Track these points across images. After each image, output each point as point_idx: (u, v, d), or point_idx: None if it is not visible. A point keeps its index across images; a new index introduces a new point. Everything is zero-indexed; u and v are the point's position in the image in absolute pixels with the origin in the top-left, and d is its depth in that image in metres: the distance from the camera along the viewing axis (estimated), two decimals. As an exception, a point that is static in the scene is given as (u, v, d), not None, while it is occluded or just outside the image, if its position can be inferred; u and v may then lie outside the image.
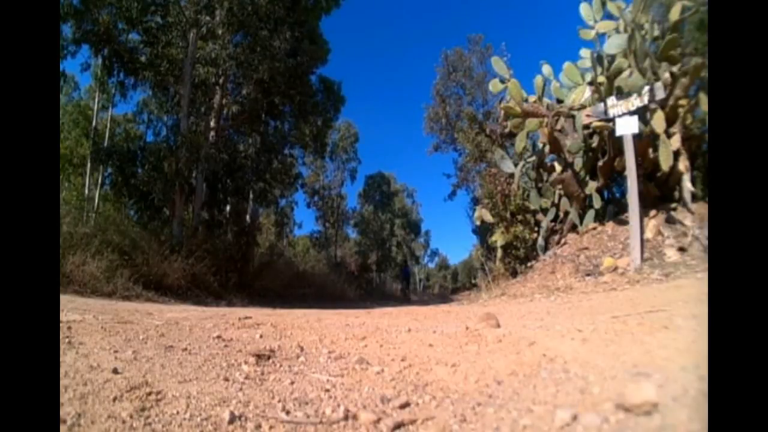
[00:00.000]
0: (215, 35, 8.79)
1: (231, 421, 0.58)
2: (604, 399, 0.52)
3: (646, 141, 4.94)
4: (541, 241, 6.25)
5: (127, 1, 8.66)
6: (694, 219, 4.67)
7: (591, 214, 5.65)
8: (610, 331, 1.33)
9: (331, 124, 13.73)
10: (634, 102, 4.54)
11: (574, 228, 5.86)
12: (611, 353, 0.97)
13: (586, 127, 5.32)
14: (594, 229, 5.54)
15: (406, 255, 28.08)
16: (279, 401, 0.68)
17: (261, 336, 1.49)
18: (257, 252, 11.71)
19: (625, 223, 5.00)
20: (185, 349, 1.17)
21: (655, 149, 4.92)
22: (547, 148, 6.14)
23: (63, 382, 0.65)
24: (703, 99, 4.85)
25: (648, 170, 5.11)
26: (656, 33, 5.26)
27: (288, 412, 0.61)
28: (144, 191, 8.90)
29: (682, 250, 4.34)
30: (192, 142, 8.53)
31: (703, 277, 3.36)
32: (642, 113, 4.65)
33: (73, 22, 8.61)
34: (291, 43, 9.39)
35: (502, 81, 6.50)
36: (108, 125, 11.96)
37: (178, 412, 0.61)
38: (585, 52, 6.24)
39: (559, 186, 6.01)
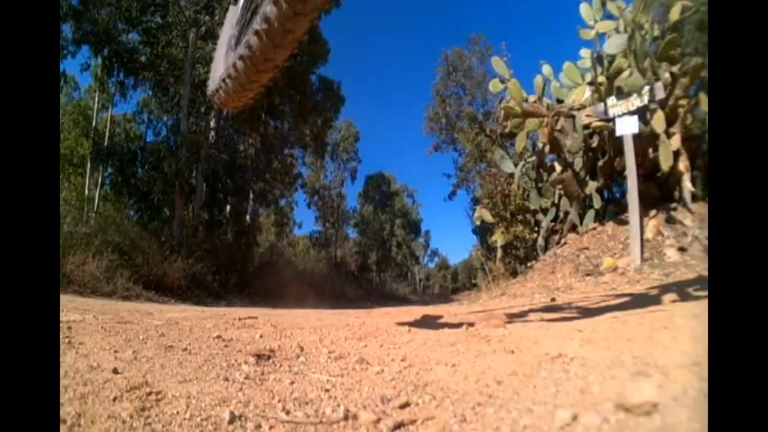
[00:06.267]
0: (215, 35, 8.80)
1: (231, 421, 0.58)
2: (604, 399, 0.52)
3: (646, 141, 4.94)
4: (541, 241, 6.25)
5: (126, 1, 8.66)
6: (694, 219, 4.67)
7: (591, 214, 5.65)
8: (610, 331, 1.33)
9: (331, 124, 13.76)
10: (634, 102, 4.54)
11: (574, 228, 5.86)
12: (611, 353, 0.97)
13: (586, 127, 5.32)
14: (594, 229, 5.54)
15: (406, 255, 28.07)
16: (279, 401, 0.68)
17: (261, 336, 1.49)
18: (257, 252, 11.72)
19: (625, 223, 5.00)
20: (185, 349, 1.17)
21: (655, 149, 4.92)
22: (547, 148, 6.14)
23: (63, 382, 0.65)
24: (703, 99, 4.85)
25: (648, 170, 5.11)
26: (656, 33, 5.26)
27: (288, 412, 0.61)
28: (144, 191, 8.92)
29: (682, 250, 4.34)
30: (192, 142, 8.54)
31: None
32: (642, 113, 4.65)
33: (72, 22, 8.61)
34: (291, 42, 9.38)
35: (502, 81, 6.50)
36: (108, 125, 11.94)
37: (178, 412, 0.61)
38: (585, 52, 6.24)
39: (559, 186, 6.00)
